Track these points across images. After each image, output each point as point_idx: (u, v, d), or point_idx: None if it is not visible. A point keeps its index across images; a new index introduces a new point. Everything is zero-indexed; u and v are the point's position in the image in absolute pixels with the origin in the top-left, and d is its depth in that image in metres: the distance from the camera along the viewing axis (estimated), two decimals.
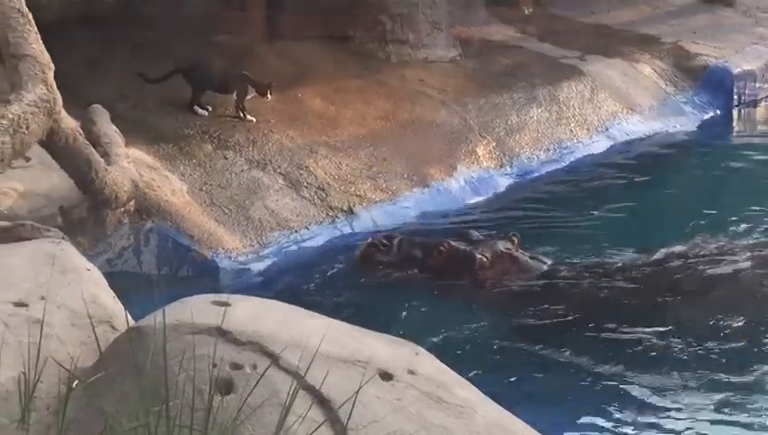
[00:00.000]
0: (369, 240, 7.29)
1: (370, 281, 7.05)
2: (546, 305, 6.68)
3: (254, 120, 8.33)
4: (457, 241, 7.15)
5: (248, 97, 8.35)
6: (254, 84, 8.34)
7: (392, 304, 6.77)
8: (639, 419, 5.57)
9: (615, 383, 5.89)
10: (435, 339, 6.16)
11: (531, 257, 7.11)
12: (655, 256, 7.05)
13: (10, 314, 3.20)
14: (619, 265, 7.02)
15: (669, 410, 5.65)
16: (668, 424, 5.53)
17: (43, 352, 2.92)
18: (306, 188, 7.85)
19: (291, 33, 10.01)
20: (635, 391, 5.79)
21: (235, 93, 8.33)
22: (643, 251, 7.22)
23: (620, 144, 9.93)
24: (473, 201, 8.52)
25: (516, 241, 7.16)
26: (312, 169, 8.04)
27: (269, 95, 8.34)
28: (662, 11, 13.04)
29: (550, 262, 7.14)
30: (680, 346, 6.23)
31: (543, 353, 6.20)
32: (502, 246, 7.10)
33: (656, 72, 11.14)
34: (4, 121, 5.41)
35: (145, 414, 2.64)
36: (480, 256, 6.98)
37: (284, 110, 8.70)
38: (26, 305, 3.26)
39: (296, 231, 7.49)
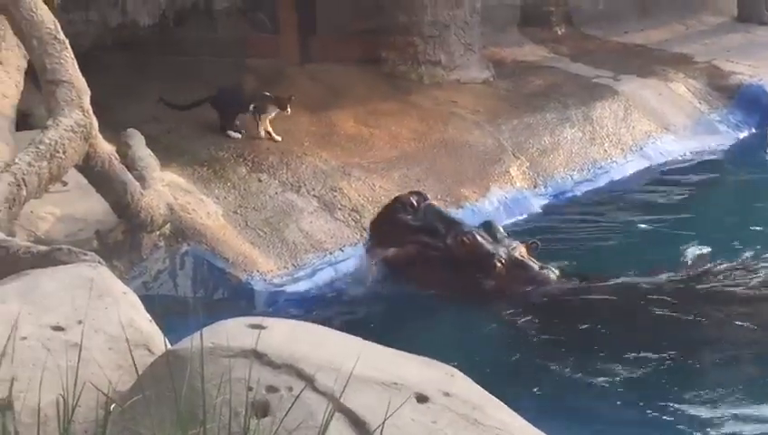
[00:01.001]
0: (397, 195, 7.31)
1: (403, 300, 7.04)
2: (576, 320, 6.65)
3: (280, 138, 8.36)
4: (482, 235, 7.14)
5: (272, 115, 8.38)
6: (274, 101, 8.36)
7: (424, 325, 6.76)
8: None
9: (643, 401, 5.84)
10: (471, 358, 6.13)
11: (541, 267, 7.10)
12: (689, 273, 7.03)
13: (48, 338, 3.22)
14: (651, 282, 7.00)
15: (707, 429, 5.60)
16: None
17: (80, 376, 2.93)
18: (340, 210, 7.87)
19: (323, 55, 10.07)
20: (669, 411, 5.74)
21: (255, 112, 8.36)
22: (677, 269, 7.19)
23: (655, 164, 9.89)
24: (506, 222, 8.50)
25: (535, 248, 7.18)
26: (345, 190, 8.06)
27: (288, 109, 8.35)
28: (695, 30, 13.02)
29: (558, 273, 7.11)
30: (714, 365, 6.19)
31: (571, 371, 6.16)
32: (518, 253, 7.10)
33: (690, 91, 11.11)
34: (41, 147, 5.46)
35: None
36: (499, 263, 6.98)
37: (317, 132, 8.74)
38: (64, 329, 3.28)
39: (330, 253, 7.50)
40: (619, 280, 7.06)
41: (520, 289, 7.00)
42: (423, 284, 7.14)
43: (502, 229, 7.32)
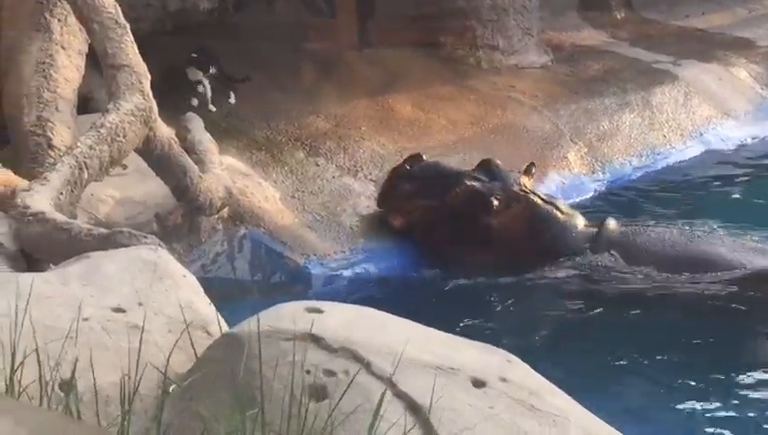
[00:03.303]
0: (394, 167, 7.45)
1: (456, 284, 7.04)
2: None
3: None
4: (476, 177, 7.14)
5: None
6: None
7: (482, 308, 6.76)
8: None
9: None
10: (526, 342, 6.14)
11: (546, 201, 7.09)
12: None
13: (109, 320, 3.26)
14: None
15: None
16: None
17: (141, 357, 2.97)
18: None
19: (381, 40, 10.06)
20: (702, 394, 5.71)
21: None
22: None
23: (715, 150, 9.79)
24: None
25: (533, 171, 7.24)
26: None
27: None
28: (758, 14, 12.81)
29: (565, 207, 7.18)
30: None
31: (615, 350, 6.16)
32: (516, 183, 7.13)
33: (751, 76, 10.96)
34: (102, 130, 5.52)
35: (240, 419, 2.67)
36: (495, 200, 6.97)
37: (375, 116, 8.74)
38: (124, 311, 3.32)
39: (387, 237, 7.50)
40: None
41: (524, 222, 7.03)
42: (436, 249, 7.19)
43: (497, 162, 7.30)
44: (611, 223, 7.11)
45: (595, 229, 7.12)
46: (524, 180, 7.23)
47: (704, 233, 7.15)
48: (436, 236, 7.22)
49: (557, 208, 7.17)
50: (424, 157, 7.49)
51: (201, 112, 7.82)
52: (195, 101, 8.22)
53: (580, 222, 7.18)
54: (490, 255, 7.04)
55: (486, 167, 7.28)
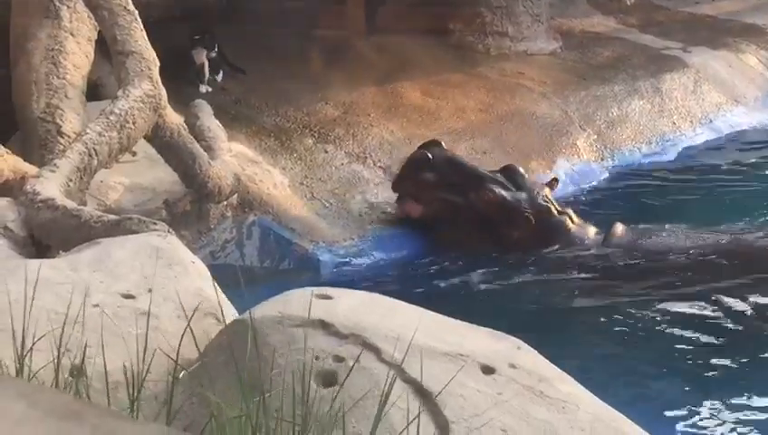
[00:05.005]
0: (414, 153, 7.44)
1: (469, 271, 7.05)
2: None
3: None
4: (502, 183, 7.20)
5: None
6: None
7: (492, 295, 6.76)
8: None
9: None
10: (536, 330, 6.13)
11: (560, 212, 7.22)
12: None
13: (119, 306, 3.27)
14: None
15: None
16: None
17: (150, 343, 2.98)
18: None
19: (390, 26, 10.04)
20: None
21: None
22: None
23: (725, 136, 9.76)
24: (573, 194, 8.46)
25: (556, 186, 7.38)
26: None
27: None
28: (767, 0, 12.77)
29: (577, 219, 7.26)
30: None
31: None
32: (542, 197, 7.20)
33: (761, 62, 10.93)
34: (111, 117, 5.53)
35: (247, 405, 2.68)
36: (527, 215, 7.03)
37: (384, 103, 8.74)
38: (134, 297, 3.33)
39: (396, 224, 7.51)
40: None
41: (542, 234, 7.12)
42: (453, 241, 7.21)
43: (522, 171, 7.34)
44: (619, 229, 7.14)
45: (603, 236, 7.20)
46: (547, 192, 7.26)
47: (709, 233, 7.16)
48: (454, 230, 7.25)
49: (570, 218, 7.25)
50: (442, 143, 7.50)
51: (203, 95, 7.90)
52: (203, 88, 8.27)
53: (591, 231, 7.23)
54: (503, 253, 7.14)
55: (510, 173, 7.31)
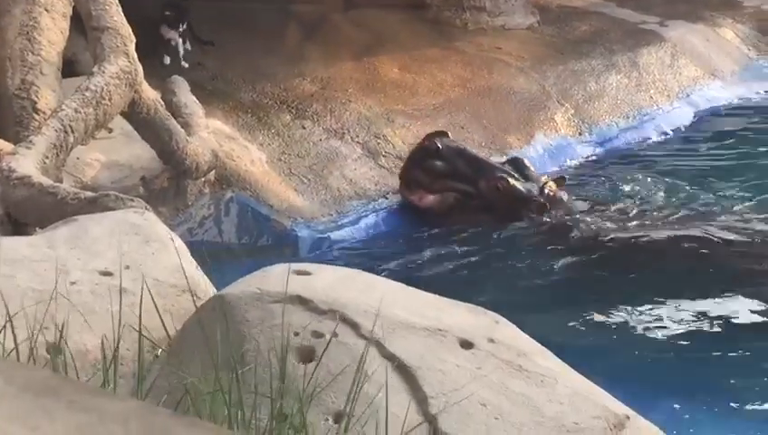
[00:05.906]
0: (421, 142, 7.48)
1: (448, 246, 7.07)
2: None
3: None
4: (511, 173, 7.25)
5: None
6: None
7: (470, 270, 6.78)
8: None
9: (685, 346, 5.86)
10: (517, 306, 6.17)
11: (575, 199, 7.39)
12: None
13: (96, 283, 3.26)
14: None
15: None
16: None
17: (127, 320, 2.97)
18: (384, 157, 7.87)
19: (367, 1, 10.00)
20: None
21: None
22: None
23: (702, 110, 9.78)
24: (551, 169, 8.47)
25: (565, 184, 7.51)
26: (389, 137, 8.04)
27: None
28: None
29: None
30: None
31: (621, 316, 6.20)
32: (549, 189, 7.33)
33: (738, 36, 10.95)
34: (87, 93, 5.49)
35: (224, 381, 2.67)
36: (541, 203, 7.16)
37: (361, 78, 8.71)
38: (111, 274, 3.31)
39: (374, 200, 7.51)
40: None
41: (562, 224, 7.22)
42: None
43: (528, 163, 7.41)
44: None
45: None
46: (552, 186, 7.35)
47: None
48: (461, 217, 7.28)
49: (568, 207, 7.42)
50: (449, 133, 7.53)
51: (174, 70, 7.87)
52: (167, 59, 8.23)
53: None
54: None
55: (517, 165, 7.43)
